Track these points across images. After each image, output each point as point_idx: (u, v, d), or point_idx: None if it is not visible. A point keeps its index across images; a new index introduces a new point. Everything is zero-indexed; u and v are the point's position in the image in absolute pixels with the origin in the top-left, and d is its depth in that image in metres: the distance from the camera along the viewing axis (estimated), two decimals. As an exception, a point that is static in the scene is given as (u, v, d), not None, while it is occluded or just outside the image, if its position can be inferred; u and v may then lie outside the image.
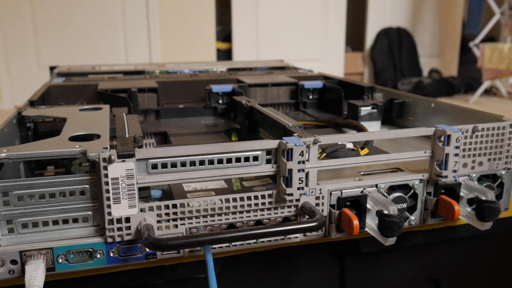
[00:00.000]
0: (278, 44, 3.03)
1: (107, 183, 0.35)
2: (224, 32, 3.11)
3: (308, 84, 0.80)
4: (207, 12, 2.75)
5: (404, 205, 0.44)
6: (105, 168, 0.35)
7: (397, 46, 3.22)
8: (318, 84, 0.81)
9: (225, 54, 3.01)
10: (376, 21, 3.30)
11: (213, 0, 2.76)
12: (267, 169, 0.40)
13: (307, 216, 0.40)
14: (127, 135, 0.43)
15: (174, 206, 0.38)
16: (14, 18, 2.45)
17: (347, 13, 3.17)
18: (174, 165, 0.37)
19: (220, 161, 0.39)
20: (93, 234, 0.37)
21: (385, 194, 0.43)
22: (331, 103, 0.78)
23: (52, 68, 1.04)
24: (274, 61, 1.23)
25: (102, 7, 2.58)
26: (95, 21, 2.58)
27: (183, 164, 0.38)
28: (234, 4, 2.91)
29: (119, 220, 0.36)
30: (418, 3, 3.31)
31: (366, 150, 0.50)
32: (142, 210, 0.37)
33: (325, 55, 3.16)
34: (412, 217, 0.45)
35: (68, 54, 2.54)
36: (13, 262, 0.35)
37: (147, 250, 0.38)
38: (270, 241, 0.41)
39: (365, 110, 0.65)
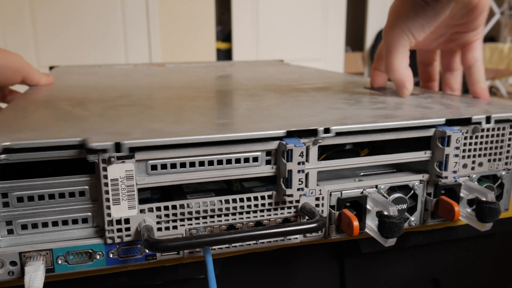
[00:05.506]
0: (278, 44, 3.03)
1: (106, 184, 0.35)
2: (224, 32, 3.11)
3: (308, 84, 0.80)
4: (207, 12, 2.75)
5: (404, 206, 0.44)
6: (105, 169, 0.35)
7: (397, 46, 3.22)
8: (318, 84, 0.81)
9: (225, 54, 3.01)
10: (376, 21, 3.30)
11: (213, 0, 2.76)
12: (267, 170, 0.40)
13: (307, 217, 0.40)
14: (126, 136, 0.43)
15: (174, 207, 0.38)
16: (14, 17, 2.45)
17: (347, 13, 3.17)
18: (173, 166, 0.37)
19: (219, 162, 0.38)
20: (93, 235, 0.37)
21: (385, 195, 0.43)
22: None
23: (51, 68, 1.04)
24: (274, 61, 1.23)
25: (102, 7, 2.58)
26: (95, 21, 2.58)
27: (183, 165, 0.38)
28: (234, 4, 2.91)
29: (118, 221, 0.36)
30: (418, 3, 3.31)
31: (366, 150, 0.50)
32: (141, 211, 0.37)
33: (325, 55, 3.16)
34: (412, 218, 0.45)
35: (68, 53, 2.54)
36: (13, 263, 0.35)
37: (147, 251, 0.38)
38: (270, 242, 0.41)
39: (365, 111, 0.65)
